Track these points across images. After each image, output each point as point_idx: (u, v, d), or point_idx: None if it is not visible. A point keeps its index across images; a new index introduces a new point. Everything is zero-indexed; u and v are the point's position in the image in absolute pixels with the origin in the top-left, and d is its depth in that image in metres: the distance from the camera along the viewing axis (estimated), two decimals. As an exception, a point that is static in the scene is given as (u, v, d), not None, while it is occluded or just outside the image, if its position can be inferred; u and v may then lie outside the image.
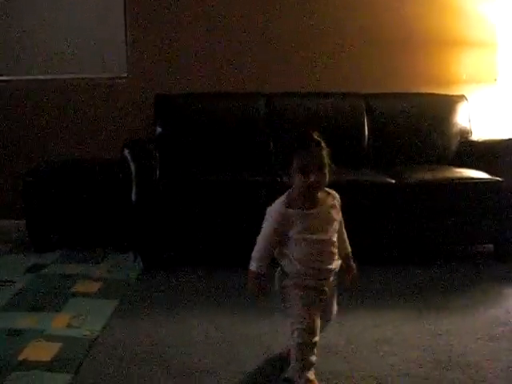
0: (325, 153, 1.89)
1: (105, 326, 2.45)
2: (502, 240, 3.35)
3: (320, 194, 1.95)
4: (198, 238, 3.23)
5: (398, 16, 4.05)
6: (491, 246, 3.46)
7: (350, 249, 2.09)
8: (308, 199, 1.93)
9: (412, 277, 3.08)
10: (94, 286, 2.94)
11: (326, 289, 1.96)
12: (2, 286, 2.96)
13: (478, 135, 3.92)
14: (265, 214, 1.99)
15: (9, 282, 3.01)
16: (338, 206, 1.99)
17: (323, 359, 2.13)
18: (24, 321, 2.50)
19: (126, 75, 4.07)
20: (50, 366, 2.10)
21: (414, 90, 3.99)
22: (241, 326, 2.45)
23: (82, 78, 4.06)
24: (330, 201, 1.97)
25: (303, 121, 3.75)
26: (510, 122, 4.00)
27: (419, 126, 3.81)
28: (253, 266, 1.95)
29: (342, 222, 2.04)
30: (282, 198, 1.95)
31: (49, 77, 4.05)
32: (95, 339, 2.32)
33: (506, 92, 4.02)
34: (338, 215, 1.99)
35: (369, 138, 3.78)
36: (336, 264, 1.97)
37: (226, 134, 3.69)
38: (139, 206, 3.16)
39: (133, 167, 3.17)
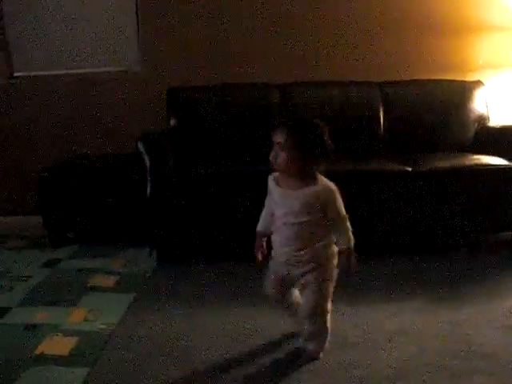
0: (287, 136, 1.91)
1: (121, 319, 2.46)
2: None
3: (306, 179, 1.95)
4: (212, 231, 3.22)
5: (413, 1, 3.98)
6: (510, 233, 3.39)
7: (348, 244, 1.97)
8: (288, 179, 1.98)
9: (428, 266, 3.04)
10: (110, 280, 2.95)
11: (292, 274, 2.03)
12: (19, 280, 2.98)
13: (495, 121, 3.85)
14: None
15: (26, 276, 3.03)
16: (326, 199, 1.94)
17: (340, 349, 2.12)
18: (41, 315, 2.52)
19: (139, 69, 4.07)
20: (66, 361, 2.11)
21: (430, 77, 3.92)
22: (256, 318, 2.43)
23: (95, 73, 4.06)
24: (314, 188, 1.94)
25: (318, 110, 3.71)
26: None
27: (436, 113, 3.75)
28: (258, 225, 2.14)
29: (339, 215, 1.97)
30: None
31: (62, 72, 4.06)
32: (111, 333, 2.32)
33: (524, 77, 3.94)
34: (323, 206, 1.94)
35: (385, 126, 3.73)
36: (307, 254, 1.97)
37: (240, 125, 3.67)
38: (154, 199, 3.16)
39: (147, 161, 3.16)
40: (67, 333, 2.34)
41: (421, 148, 3.64)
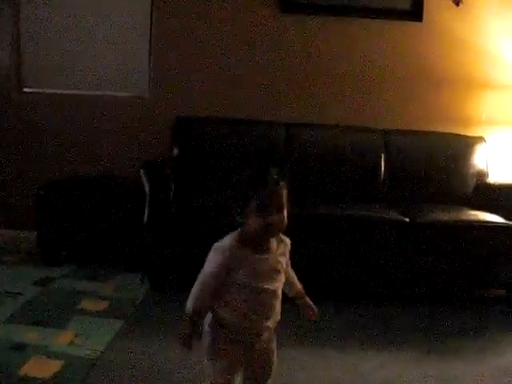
0: (284, 193, 1.69)
1: (108, 346, 2.43)
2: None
3: (272, 240, 1.74)
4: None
5: (420, 55, 4.07)
6: (504, 291, 3.40)
7: (300, 285, 1.87)
8: (261, 243, 1.70)
9: (420, 318, 3.03)
10: (100, 305, 2.93)
11: (258, 346, 1.73)
12: (9, 297, 2.95)
13: (494, 178, 3.90)
14: None
15: (16, 293, 3.00)
16: (287, 253, 1.80)
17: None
18: (27, 335, 2.49)
19: (147, 95, 4.11)
20: (49, 384, 2.08)
21: (433, 129, 3.98)
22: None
23: (104, 95, 4.09)
24: (281, 248, 1.76)
25: (321, 152, 3.75)
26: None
27: (436, 165, 3.80)
28: (189, 310, 1.70)
29: (289, 262, 1.84)
30: (234, 236, 1.72)
31: (70, 92, 4.09)
32: (97, 360, 2.30)
33: (525, 136, 4.00)
34: (285, 261, 1.79)
35: (385, 174, 3.77)
36: (274, 321, 1.75)
37: (243, 161, 3.68)
38: (150, 226, 3.16)
39: (147, 188, 3.18)
40: (52, 355, 2.31)
41: (419, 198, 3.67)
